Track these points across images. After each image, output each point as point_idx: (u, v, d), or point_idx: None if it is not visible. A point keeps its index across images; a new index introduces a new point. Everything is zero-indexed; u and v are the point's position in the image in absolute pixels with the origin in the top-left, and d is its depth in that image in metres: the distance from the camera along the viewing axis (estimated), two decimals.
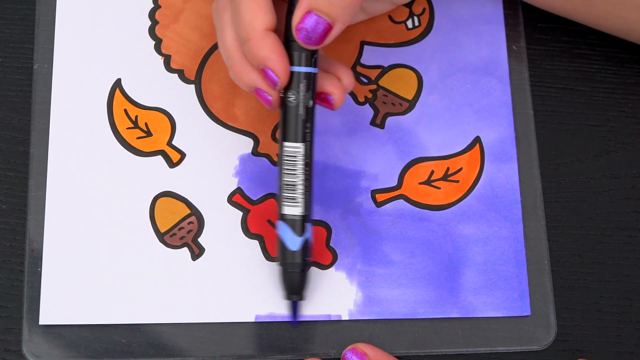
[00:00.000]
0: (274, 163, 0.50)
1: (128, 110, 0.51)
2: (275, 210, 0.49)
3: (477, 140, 0.51)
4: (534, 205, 0.50)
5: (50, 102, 0.51)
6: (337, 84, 0.46)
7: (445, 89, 0.52)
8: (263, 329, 0.48)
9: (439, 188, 0.50)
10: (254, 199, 0.50)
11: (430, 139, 0.51)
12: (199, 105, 0.51)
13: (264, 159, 0.50)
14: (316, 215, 0.50)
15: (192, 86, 0.51)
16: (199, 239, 0.49)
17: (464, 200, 0.50)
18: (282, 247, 0.46)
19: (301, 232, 0.46)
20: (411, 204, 0.50)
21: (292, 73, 0.44)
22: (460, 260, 0.49)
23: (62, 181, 0.50)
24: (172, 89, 0.51)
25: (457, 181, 0.50)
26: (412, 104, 0.52)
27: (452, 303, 0.48)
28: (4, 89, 0.52)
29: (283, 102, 0.45)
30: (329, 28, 0.43)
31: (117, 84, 0.51)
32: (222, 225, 0.49)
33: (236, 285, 0.48)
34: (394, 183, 0.50)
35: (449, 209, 0.50)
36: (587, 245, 0.50)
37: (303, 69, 0.44)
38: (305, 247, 0.46)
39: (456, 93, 0.52)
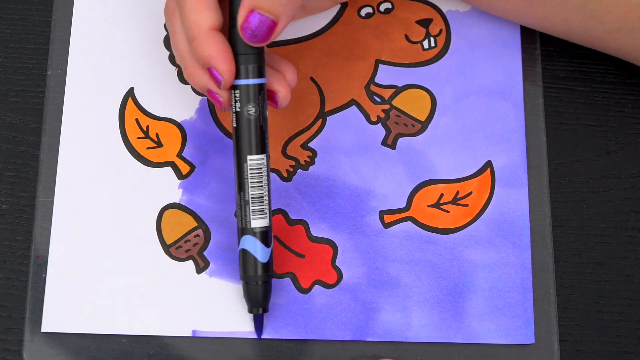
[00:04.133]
0: (283, 178, 0.50)
1: (139, 120, 0.51)
2: (282, 225, 0.49)
3: (488, 164, 0.51)
4: (542, 233, 0.50)
5: (63, 108, 0.51)
6: (283, 81, 0.46)
7: (459, 112, 0.51)
8: (265, 345, 0.48)
9: (448, 211, 0.50)
10: None
11: (441, 161, 0.51)
12: (211, 118, 0.51)
13: (274, 174, 0.50)
14: (323, 234, 0.49)
15: (205, 98, 0.51)
16: (205, 253, 0.49)
17: (473, 224, 0.50)
18: (248, 260, 0.46)
19: (269, 243, 0.46)
20: (419, 226, 0.50)
21: (250, 86, 0.45)
22: (466, 285, 0.49)
23: (71, 188, 0.50)
24: (184, 100, 0.51)
25: (467, 205, 0.50)
26: (424, 125, 0.51)
27: (455, 328, 0.48)
28: (4, 89, 0.52)
29: (240, 116, 0.45)
30: (273, 25, 0.43)
31: (130, 93, 0.51)
32: (228, 240, 0.49)
33: (239, 300, 0.48)
34: (403, 204, 0.50)
35: (457, 233, 0.50)
36: (587, 245, 0.50)
37: (257, 81, 0.45)
38: (271, 257, 0.46)
39: (469, 116, 0.51)
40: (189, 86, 0.51)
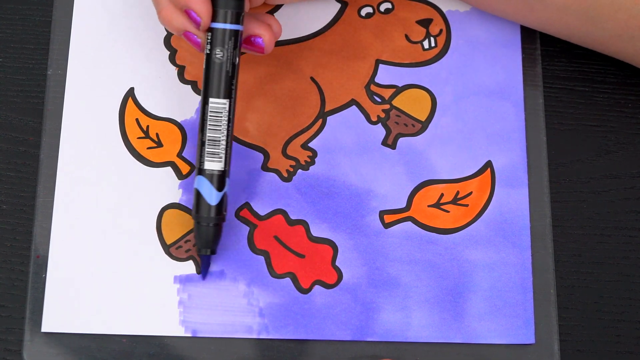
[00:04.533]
0: (283, 179, 0.50)
1: (140, 120, 0.51)
2: (282, 226, 0.49)
3: (488, 164, 0.51)
4: (542, 233, 0.50)
5: (63, 108, 0.51)
6: (267, 27, 0.47)
7: (459, 112, 0.51)
8: (265, 345, 0.48)
9: (448, 211, 0.50)
10: (262, 214, 0.50)
11: (441, 161, 0.51)
12: None
13: (274, 174, 0.50)
14: (323, 234, 0.49)
15: None
16: None
17: (473, 224, 0.50)
18: (200, 201, 0.47)
19: (221, 187, 0.46)
20: (419, 226, 0.50)
21: (220, 30, 0.45)
22: (466, 285, 0.49)
23: (71, 188, 0.50)
24: (184, 100, 0.51)
25: (467, 205, 0.50)
26: (424, 125, 0.51)
27: (455, 328, 0.48)
28: (4, 89, 0.52)
29: (209, 59, 0.46)
30: None
31: (130, 93, 0.51)
32: (228, 240, 0.49)
33: (240, 300, 0.48)
34: (403, 204, 0.50)
35: (457, 233, 0.50)
36: (587, 245, 0.50)
37: (231, 26, 0.45)
38: (222, 201, 0.47)
39: (469, 116, 0.51)
40: (189, 86, 0.51)
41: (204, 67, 0.46)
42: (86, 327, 0.48)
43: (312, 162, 0.51)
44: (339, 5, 0.53)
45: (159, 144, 0.50)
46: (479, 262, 0.49)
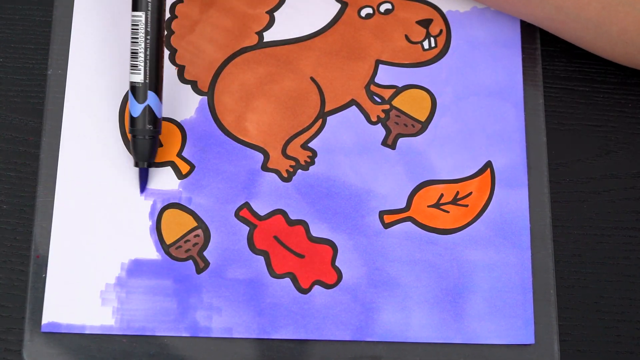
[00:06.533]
0: (283, 179, 0.50)
1: None
2: (282, 226, 0.49)
3: (488, 165, 0.51)
4: (542, 234, 0.50)
5: (63, 108, 0.51)
6: None
7: (459, 112, 0.52)
8: (265, 345, 0.48)
9: (448, 212, 0.50)
10: (262, 214, 0.50)
11: (441, 161, 0.51)
12: (211, 118, 0.51)
13: (273, 174, 0.50)
14: (323, 234, 0.49)
15: (205, 98, 0.51)
16: (204, 253, 0.49)
17: (473, 225, 0.50)
18: (129, 114, 0.48)
19: (142, 99, 0.47)
20: (419, 226, 0.50)
21: None
22: (466, 285, 0.49)
23: (71, 188, 0.50)
24: (184, 100, 0.51)
25: (467, 205, 0.50)
26: (424, 125, 0.51)
27: (455, 328, 0.48)
28: (4, 89, 0.52)
29: None
30: None
31: None
32: (228, 240, 0.49)
33: (239, 300, 0.48)
34: (403, 205, 0.50)
35: (457, 233, 0.50)
36: (587, 245, 0.50)
37: None
38: (149, 114, 0.48)
39: (469, 116, 0.51)
40: (189, 86, 0.51)
41: None
42: (86, 327, 0.48)
43: (312, 162, 0.51)
44: (339, 6, 0.53)
45: (159, 144, 0.50)
46: (478, 263, 0.49)
